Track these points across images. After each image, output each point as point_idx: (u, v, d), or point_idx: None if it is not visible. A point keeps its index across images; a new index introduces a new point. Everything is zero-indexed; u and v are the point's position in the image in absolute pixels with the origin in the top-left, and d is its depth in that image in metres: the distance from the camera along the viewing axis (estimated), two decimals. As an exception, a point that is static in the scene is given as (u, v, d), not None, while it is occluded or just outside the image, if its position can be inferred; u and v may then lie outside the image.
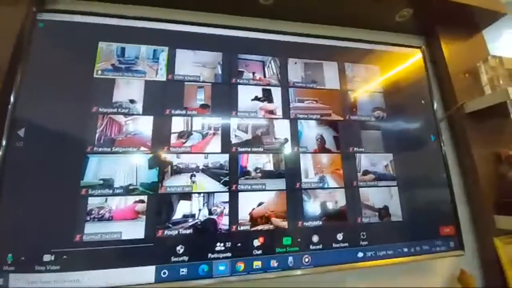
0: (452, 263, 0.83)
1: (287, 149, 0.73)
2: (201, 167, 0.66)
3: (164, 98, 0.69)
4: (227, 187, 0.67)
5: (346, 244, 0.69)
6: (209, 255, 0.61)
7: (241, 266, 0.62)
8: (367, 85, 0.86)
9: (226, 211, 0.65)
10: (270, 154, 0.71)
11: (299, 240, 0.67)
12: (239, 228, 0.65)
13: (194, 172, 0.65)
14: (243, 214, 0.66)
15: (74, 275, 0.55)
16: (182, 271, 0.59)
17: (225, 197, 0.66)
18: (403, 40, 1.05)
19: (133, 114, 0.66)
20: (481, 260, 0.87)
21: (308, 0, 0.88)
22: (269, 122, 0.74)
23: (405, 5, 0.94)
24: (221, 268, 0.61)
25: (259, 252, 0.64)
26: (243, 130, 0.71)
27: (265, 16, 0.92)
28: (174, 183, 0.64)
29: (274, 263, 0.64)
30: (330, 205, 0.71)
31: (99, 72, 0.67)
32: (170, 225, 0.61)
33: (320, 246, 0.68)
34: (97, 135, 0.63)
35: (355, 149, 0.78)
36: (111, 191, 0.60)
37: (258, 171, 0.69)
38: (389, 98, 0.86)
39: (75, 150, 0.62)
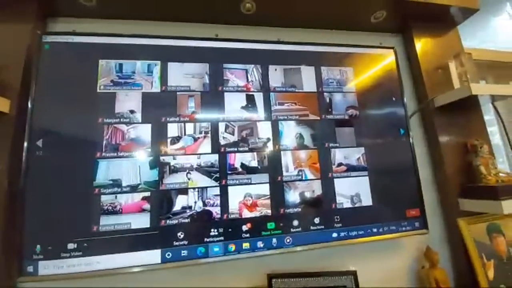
0: (421, 242, 1.00)
1: (270, 148, 0.89)
2: (194, 166, 0.82)
3: (160, 107, 0.84)
4: (218, 182, 0.83)
5: (322, 227, 0.87)
6: (205, 239, 0.78)
7: (232, 247, 0.79)
8: (342, 86, 1.01)
9: (218, 202, 0.81)
10: (255, 152, 0.88)
11: (281, 224, 0.84)
12: (229, 216, 0.81)
13: (189, 171, 0.82)
14: (233, 204, 0.82)
15: (94, 258, 0.72)
16: (183, 253, 0.76)
17: (217, 191, 0.82)
18: (381, 39, 1.19)
19: (133, 123, 0.81)
20: (447, 239, 1.05)
21: (288, 7, 1.02)
22: (253, 124, 0.90)
23: (378, 8, 1.08)
24: (216, 249, 0.78)
25: (248, 235, 0.81)
26: (230, 132, 0.87)
27: (247, 24, 1.06)
28: (173, 180, 0.80)
29: (260, 244, 0.81)
30: (308, 194, 0.88)
31: (102, 87, 0.82)
32: (171, 216, 0.78)
33: (300, 229, 0.85)
34: (104, 142, 0.79)
35: (330, 144, 0.94)
36: (119, 189, 0.77)
37: (244, 167, 0.85)
38: (361, 97, 1.01)
39: (87, 156, 0.78)
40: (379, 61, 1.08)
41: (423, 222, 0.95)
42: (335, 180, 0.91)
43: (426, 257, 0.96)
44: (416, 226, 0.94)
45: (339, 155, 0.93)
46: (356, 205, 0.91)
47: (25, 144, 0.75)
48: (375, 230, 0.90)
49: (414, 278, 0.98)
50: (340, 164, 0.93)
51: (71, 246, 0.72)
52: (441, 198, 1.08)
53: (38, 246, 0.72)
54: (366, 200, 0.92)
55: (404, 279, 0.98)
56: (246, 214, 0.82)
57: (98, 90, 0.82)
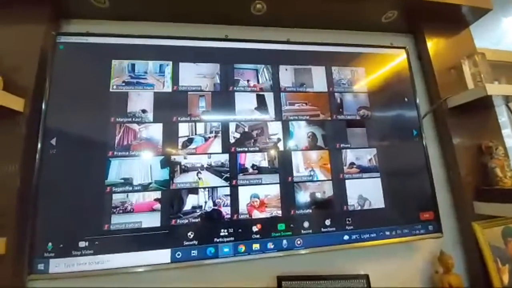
0: (434, 245, 0.98)
1: (280, 148, 0.89)
2: (205, 165, 0.83)
3: (171, 107, 0.85)
4: (228, 182, 0.83)
5: (334, 229, 0.86)
6: (215, 239, 0.78)
7: (242, 248, 0.79)
8: (353, 87, 1.00)
9: (228, 202, 0.81)
10: (265, 152, 0.88)
11: (291, 225, 0.84)
12: (239, 217, 0.81)
13: (200, 170, 0.82)
14: (243, 205, 0.82)
15: (105, 257, 0.73)
16: (193, 253, 0.77)
17: (227, 190, 0.82)
18: (391, 39, 1.19)
19: (145, 122, 0.83)
20: (461, 243, 1.03)
21: (298, 7, 1.02)
22: (264, 124, 0.90)
23: (389, 8, 1.08)
24: (226, 250, 0.78)
25: (258, 236, 0.81)
26: (241, 132, 0.87)
27: (257, 25, 1.07)
28: (183, 180, 0.81)
29: (270, 245, 0.81)
30: (319, 195, 0.87)
31: (114, 86, 0.84)
32: (182, 215, 0.78)
33: (310, 231, 0.84)
34: (116, 141, 0.80)
35: (342, 145, 0.93)
36: (131, 188, 0.77)
37: (254, 167, 0.85)
38: (373, 97, 1.01)
39: (99, 155, 0.79)
40: (391, 61, 1.07)
41: (437, 225, 0.93)
42: (347, 182, 0.90)
43: (440, 262, 0.94)
44: (429, 229, 0.92)
45: (350, 156, 0.93)
46: (368, 207, 0.90)
47: (39, 142, 0.77)
48: (387, 233, 0.89)
49: (427, 283, 0.96)
50: (351, 165, 0.92)
51: (82, 244, 0.73)
52: (455, 201, 1.05)
53: (50, 244, 0.73)
54: (379, 202, 0.91)
55: (417, 284, 0.96)
56: (256, 214, 0.82)
57: (110, 90, 0.83)
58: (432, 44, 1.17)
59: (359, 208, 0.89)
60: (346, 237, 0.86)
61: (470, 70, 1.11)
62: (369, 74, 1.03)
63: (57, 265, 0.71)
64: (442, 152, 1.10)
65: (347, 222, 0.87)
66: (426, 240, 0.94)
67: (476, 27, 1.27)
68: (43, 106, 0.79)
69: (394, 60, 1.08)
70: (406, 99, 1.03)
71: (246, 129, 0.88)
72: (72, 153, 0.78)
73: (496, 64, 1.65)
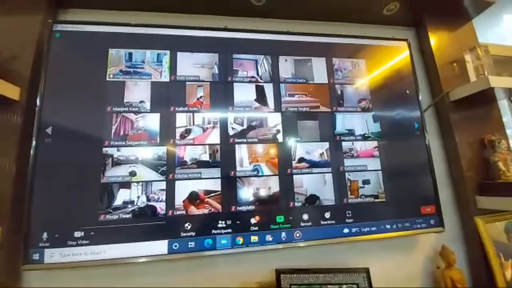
0: (435, 240, 0.97)
1: (279, 140, 0.88)
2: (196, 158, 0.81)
3: (168, 97, 0.84)
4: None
5: (333, 222, 0.84)
6: (213, 231, 0.77)
7: (240, 240, 0.78)
8: (354, 78, 0.99)
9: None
10: (263, 144, 0.86)
11: (290, 218, 0.82)
12: (237, 208, 0.80)
13: (192, 162, 0.81)
14: (243, 197, 0.81)
15: (101, 247, 0.72)
16: (191, 244, 0.75)
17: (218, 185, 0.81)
18: (393, 32, 1.17)
19: (142, 112, 0.81)
20: (464, 238, 1.01)
21: (298, -1, 1.01)
22: (263, 115, 0.88)
23: (391, -1, 1.06)
24: (223, 241, 0.77)
25: (256, 228, 0.80)
26: (239, 123, 0.86)
27: (257, 16, 1.06)
28: (181, 171, 0.79)
29: (269, 238, 0.80)
30: (313, 188, 0.86)
31: (111, 76, 0.83)
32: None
33: (310, 224, 0.83)
34: (112, 131, 0.79)
35: (342, 137, 0.92)
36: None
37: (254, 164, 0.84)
38: (374, 89, 0.99)
39: (95, 144, 0.77)
40: (392, 54, 1.06)
41: (438, 219, 0.92)
42: (346, 174, 0.89)
43: (441, 257, 0.93)
44: (431, 223, 0.91)
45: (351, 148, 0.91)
46: (368, 200, 0.88)
47: (34, 131, 0.75)
48: (388, 226, 0.87)
49: (428, 278, 0.95)
50: (351, 157, 0.91)
51: (78, 234, 0.72)
52: (457, 195, 1.04)
53: (45, 234, 0.71)
54: (380, 195, 0.89)
55: (418, 278, 0.94)
56: (255, 205, 0.81)
57: (107, 79, 0.82)
58: (435, 38, 1.15)
59: (359, 201, 0.88)
60: (346, 230, 0.85)
61: (472, 63, 1.09)
62: (370, 66, 1.02)
63: (52, 255, 0.70)
64: (444, 145, 1.09)
65: (347, 215, 0.86)
66: (428, 234, 0.93)
67: (478, 24, 1.25)
68: (39, 95, 0.78)
69: (396, 52, 1.06)
70: (407, 91, 1.02)
71: (245, 121, 0.87)
72: (68, 142, 0.77)
73: (498, 59, 1.63)
